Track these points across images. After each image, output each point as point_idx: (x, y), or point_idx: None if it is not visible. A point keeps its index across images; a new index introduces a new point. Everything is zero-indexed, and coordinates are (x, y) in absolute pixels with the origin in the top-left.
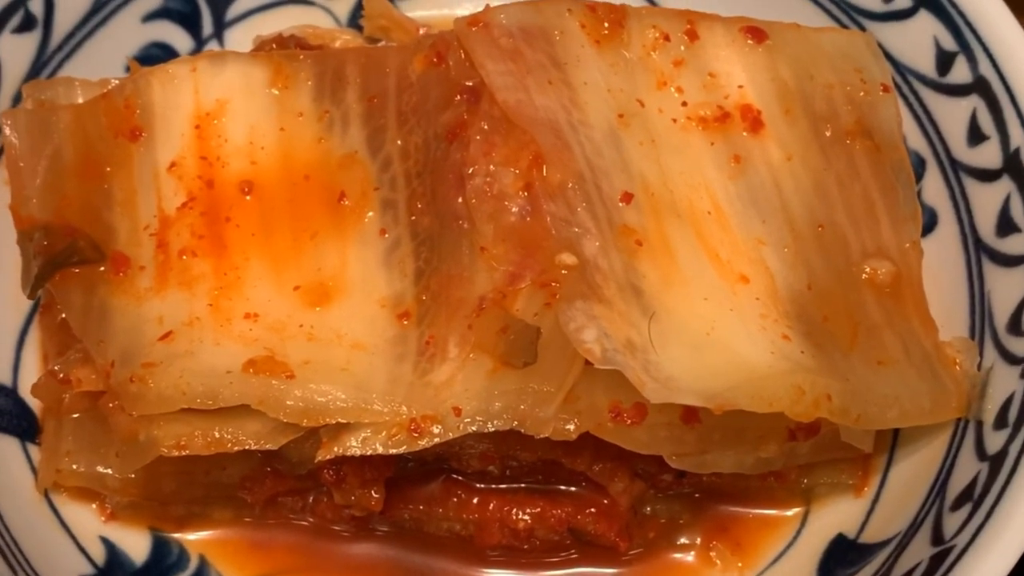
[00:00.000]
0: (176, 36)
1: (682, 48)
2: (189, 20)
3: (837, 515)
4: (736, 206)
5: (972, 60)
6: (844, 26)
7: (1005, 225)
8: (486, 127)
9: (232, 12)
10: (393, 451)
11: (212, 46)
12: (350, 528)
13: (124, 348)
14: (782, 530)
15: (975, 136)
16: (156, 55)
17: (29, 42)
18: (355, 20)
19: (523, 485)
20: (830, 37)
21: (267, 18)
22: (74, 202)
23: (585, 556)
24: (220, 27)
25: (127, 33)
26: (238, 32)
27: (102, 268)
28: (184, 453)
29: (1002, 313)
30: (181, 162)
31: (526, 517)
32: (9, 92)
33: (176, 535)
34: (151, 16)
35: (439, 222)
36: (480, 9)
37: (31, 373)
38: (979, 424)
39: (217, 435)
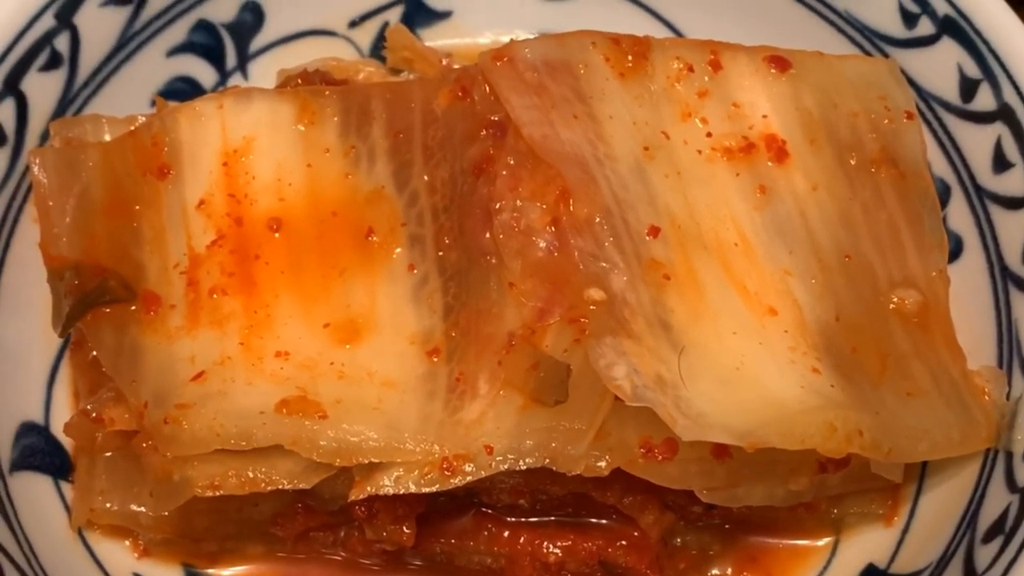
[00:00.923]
0: (200, 70)
1: (706, 79)
2: (213, 53)
3: (867, 545)
4: (762, 237)
5: (996, 87)
6: (867, 53)
7: None
8: (512, 162)
9: (255, 45)
10: (426, 490)
11: (236, 78)
12: (381, 562)
13: (157, 388)
14: (812, 560)
15: (1000, 163)
16: (181, 89)
17: (56, 80)
18: (378, 50)
19: (553, 518)
20: (853, 65)
21: (290, 50)
22: (103, 241)
23: None
24: (244, 60)
25: (152, 68)
26: (262, 64)
27: (133, 307)
28: (218, 493)
29: None
30: (210, 199)
31: (557, 550)
32: (37, 130)
33: (209, 571)
34: (175, 50)
35: (467, 257)
36: (501, 37)
37: (62, 411)
38: (1008, 455)
39: (251, 475)
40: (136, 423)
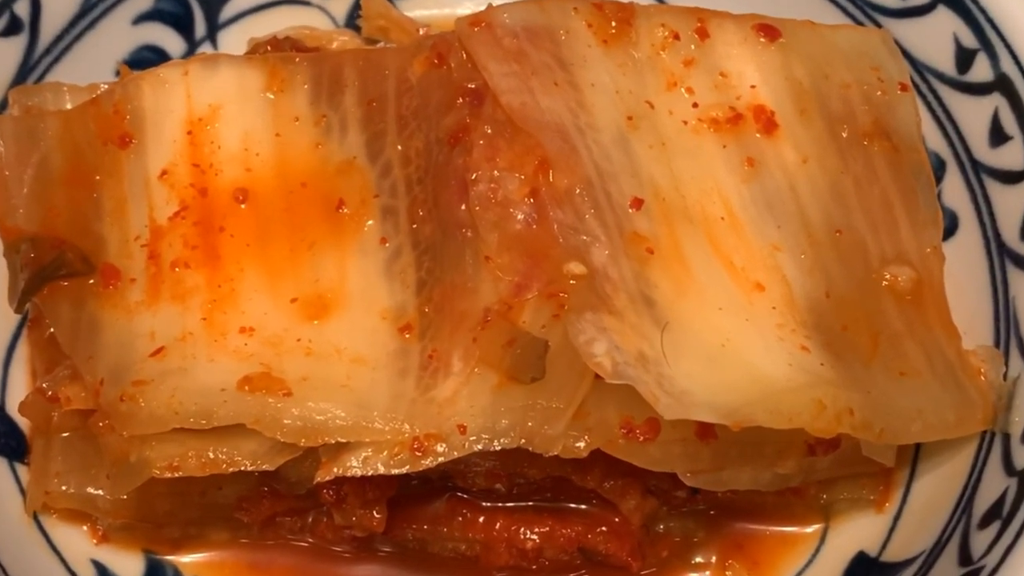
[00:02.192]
0: (168, 38)
1: (692, 47)
2: (181, 22)
3: (858, 532)
4: (750, 211)
5: (993, 57)
6: (860, 23)
7: None
8: (489, 131)
9: (225, 13)
10: (395, 471)
11: (205, 48)
12: (351, 549)
13: (114, 365)
14: (801, 548)
15: (997, 136)
16: (148, 58)
17: (15, 46)
18: (353, 20)
19: (531, 503)
20: (845, 35)
21: (262, 19)
22: (62, 212)
23: None
24: (213, 29)
25: (117, 36)
26: (232, 34)
27: (91, 281)
28: (177, 475)
29: None
30: (173, 170)
31: (534, 536)
32: None
33: (170, 557)
34: (142, 18)
35: (441, 230)
36: (482, 8)
37: (19, 390)
38: (1006, 437)
39: (212, 456)
40: (92, 401)
